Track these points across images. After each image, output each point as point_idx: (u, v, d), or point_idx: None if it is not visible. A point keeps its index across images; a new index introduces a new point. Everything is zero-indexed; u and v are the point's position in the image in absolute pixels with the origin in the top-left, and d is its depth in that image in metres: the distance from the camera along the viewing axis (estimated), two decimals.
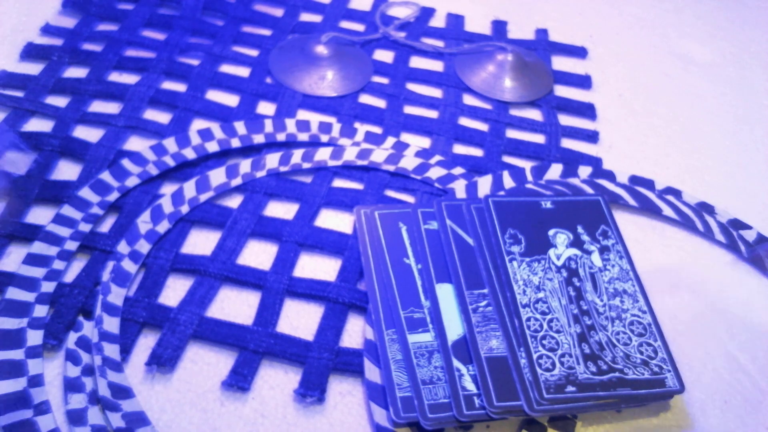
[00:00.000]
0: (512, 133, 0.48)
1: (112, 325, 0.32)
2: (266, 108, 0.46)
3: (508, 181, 0.43)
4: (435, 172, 0.42)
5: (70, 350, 0.31)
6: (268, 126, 0.44)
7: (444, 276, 0.35)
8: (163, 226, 0.37)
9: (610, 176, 0.44)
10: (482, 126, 0.48)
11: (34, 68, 0.46)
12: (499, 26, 0.58)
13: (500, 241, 0.36)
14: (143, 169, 0.39)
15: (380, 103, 0.48)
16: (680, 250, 0.41)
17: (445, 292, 0.35)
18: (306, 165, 0.42)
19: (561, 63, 0.56)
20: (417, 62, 0.53)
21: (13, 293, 0.32)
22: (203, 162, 0.41)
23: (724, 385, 0.35)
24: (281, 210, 0.40)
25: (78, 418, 0.29)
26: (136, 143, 0.42)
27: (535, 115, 0.50)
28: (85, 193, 0.37)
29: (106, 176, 0.38)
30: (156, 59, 0.48)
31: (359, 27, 0.56)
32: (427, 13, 0.59)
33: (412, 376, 0.31)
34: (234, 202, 0.39)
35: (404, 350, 0.32)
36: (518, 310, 0.34)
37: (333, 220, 0.39)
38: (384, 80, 0.50)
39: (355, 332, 0.34)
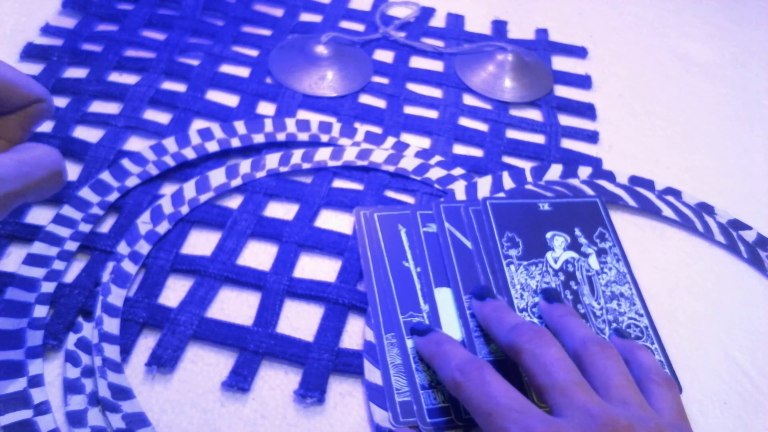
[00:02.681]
0: (512, 134, 0.48)
1: (112, 325, 0.32)
2: (266, 108, 0.46)
3: (508, 182, 0.43)
4: (435, 173, 0.42)
5: (70, 351, 0.31)
6: (268, 126, 0.44)
7: (443, 280, 0.35)
8: (163, 227, 0.37)
9: (610, 177, 0.44)
10: (482, 126, 0.48)
11: (34, 68, 0.46)
12: (499, 26, 0.58)
13: (498, 245, 0.36)
14: (143, 169, 0.39)
15: (380, 103, 0.48)
16: (680, 250, 0.41)
17: (444, 297, 0.35)
18: (306, 165, 0.42)
19: (561, 63, 0.56)
20: (417, 62, 0.53)
21: (13, 293, 0.32)
22: (203, 162, 0.41)
23: (723, 386, 0.35)
24: (281, 210, 0.40)
25: (78, 419, 0.29)
26: (136, 143, 0.42)
27: (535, 115, 0.50)
28: (85, 193, 0.38)
29: (106, 176, 0.39)
30: (156, 59, 0.48)
31: (359, 27, 0.56)
32: (427, 13, 0.59)
33: (411, 380, 0.31)
34: (234, 202, 0.39)
35: (403, 355, 0.32)
36: None
37: (333, 221, 0.39)
38: (384, 80, 0.50)
39: (355, 333, 0.34)
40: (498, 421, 0.25)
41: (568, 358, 0.28)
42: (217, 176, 0.40)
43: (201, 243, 0.37)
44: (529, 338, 0.28)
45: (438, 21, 0.58)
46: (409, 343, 0.33)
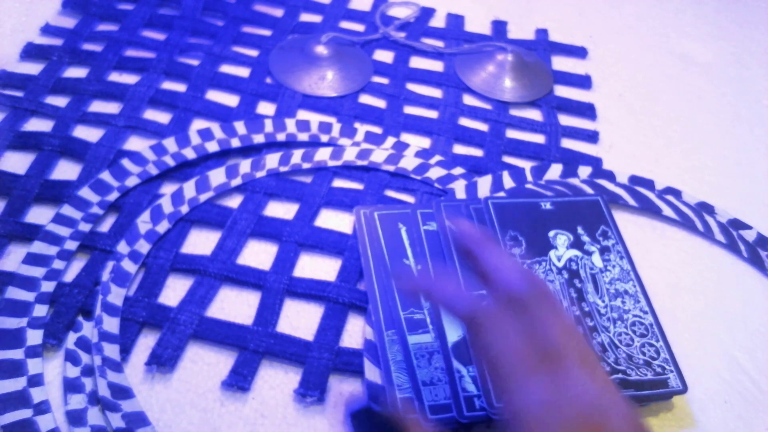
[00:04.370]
0: (512, 133, 0.48)
1: (111, 325, 0.32)
2: (266, 108, 0.46)
3: (508, 182, 0.43)
4: (435, 173, 0.42)
5: (70, 350, 0.31)
6: (268, 126, 0.44)
7: None
8: (162, 226, 0.37)
9: (610, 176, 0.44)
10: (482, 126, 0.48)
11: (34, 68, 0.46)
12: (499, 26, 0.58)
13: (500, 244, 0.36)
14: (143, 169, 0.39)
15: (380, 103, 0.48)
16: (680, 250, 0.41)
17: None
18: (306, 165, 0.42)
19: (561, 63, 0.56)
20: (417, 62, 0.53)
21: (13, 293, 0.32)
22: (203, 162, 0.41)
23: (724, 385, 0.35)
24: (281, 210, 0.40)
25: (78, 418, 0.29)
26: (136, 143, 0.42)
27: (535, 115, 0.50)
28: (85, 192, 0.37)
29: (106, 176, 0.38)
30: (156, 59, 0.48)
31: (359, 27, 0.56)
32: (427, 13, 0.59)
33: (412, 377, 0.31)
34: (234, 202, 0.39)
35: (404, 351, 0.32)
36: None
37: (333, 220, 0.39)
38: (384, 80, 0.50)
39: (355, 332, 0.34)
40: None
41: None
42: (217, 176, 0.40)
43: (201, 242, 0.37)
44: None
45: (438, 21, 0.58)
46: (410, 339, 0.33)
